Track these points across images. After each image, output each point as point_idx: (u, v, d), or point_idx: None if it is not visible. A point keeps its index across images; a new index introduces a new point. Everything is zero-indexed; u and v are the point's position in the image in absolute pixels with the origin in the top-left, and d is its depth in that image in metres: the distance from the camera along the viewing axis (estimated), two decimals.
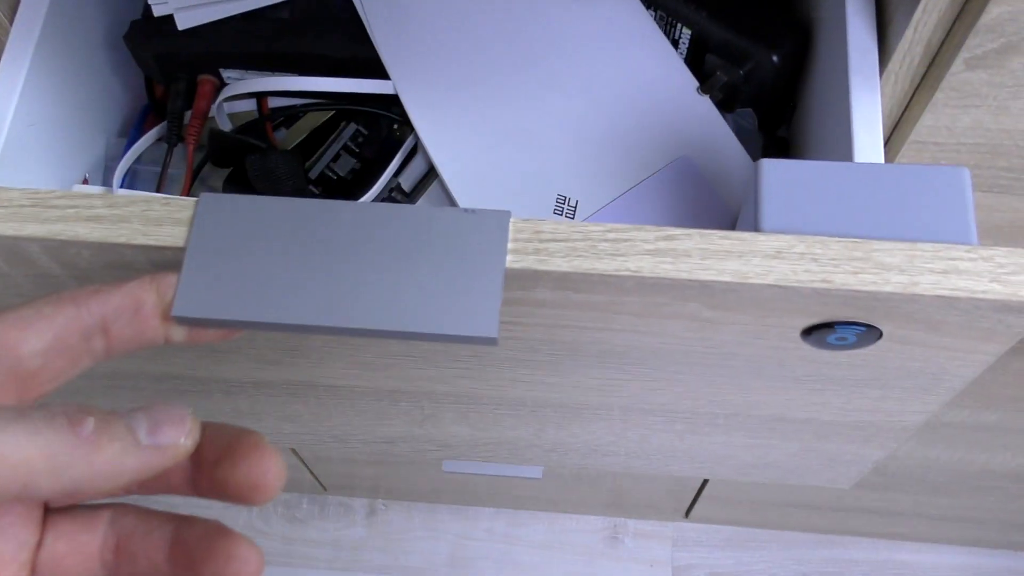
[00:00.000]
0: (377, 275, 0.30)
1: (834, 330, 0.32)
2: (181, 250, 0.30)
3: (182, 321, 0.29)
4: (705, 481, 0.99)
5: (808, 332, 0.33)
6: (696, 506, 1.09)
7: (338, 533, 1.17)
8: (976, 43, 0.38)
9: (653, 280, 0.30)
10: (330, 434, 0.49)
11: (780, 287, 0.30)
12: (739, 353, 0.35)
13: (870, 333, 0.32)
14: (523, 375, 0.39)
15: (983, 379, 0.68)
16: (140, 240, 0.30)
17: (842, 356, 0.34)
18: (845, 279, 0.30)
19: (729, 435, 0.44)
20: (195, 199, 0.31)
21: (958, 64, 0.39)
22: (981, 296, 0.29)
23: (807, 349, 0.34)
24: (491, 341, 0.30)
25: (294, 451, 0.98)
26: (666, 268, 0.30)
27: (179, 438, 0.25)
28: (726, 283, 0.30)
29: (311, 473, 1.07)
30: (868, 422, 0.41)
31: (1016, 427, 0.78)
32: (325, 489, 1.14)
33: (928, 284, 0.29)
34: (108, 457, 0.24)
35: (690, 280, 0.30)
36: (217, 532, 0.27)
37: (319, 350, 0.38)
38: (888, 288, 0.29)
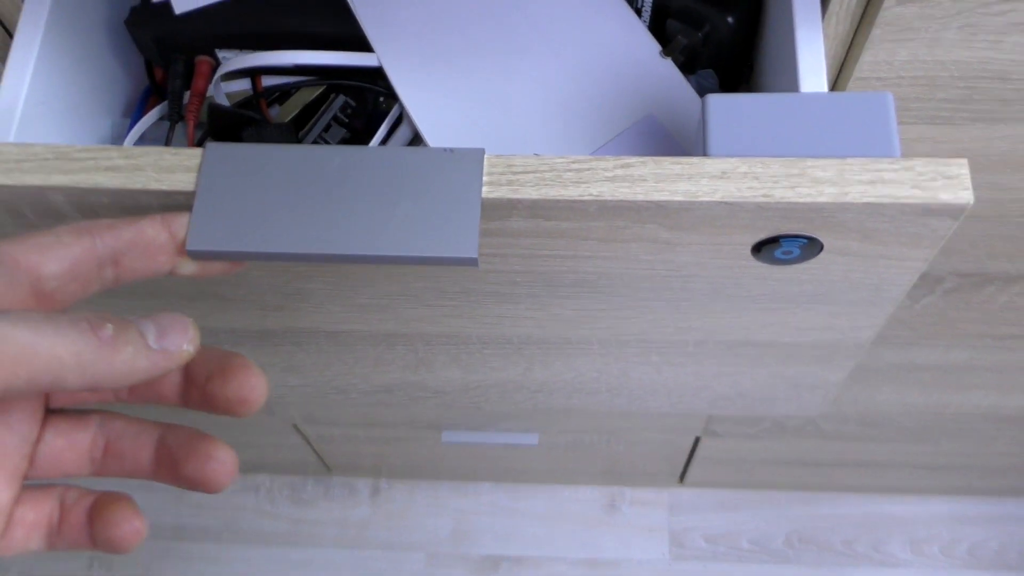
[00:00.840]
0: (367, 208, 0.34)
1: (780, 244, 0.36)
2: (191, 194, 0.34)
3: (195, 255, 0.33)
4: (696, 440, 1.02)
5: (757, 249, 0.37)
6: (689, 470, 1.13)
7: (344, 513, 1.21)
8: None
9: (613, 203, 0.34)
10: (331, 384, 0.52)
11: (726, 203, 0.33)
12: (698, 275, 0.39)
13: (812, 245, 0.36)
14: (507, 310, 0.43)
15: (950, 316, 0.72)
16: (154, 186, 0.34)
17: (790, 271, 0.38)
18: (784, 193, 0.33)
19: (701, 364, 0.47)
20: (202, 148, 0.34)
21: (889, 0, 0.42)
22: (904, 201, 0.33)
23: (758, 266, 0.38)
24: (472, 262, 0.33)
25: (297, 428, 1.01)
26: (624, 192, 0.34)
27: (183, 344, 0.29)
28: (678, 202, 0.34)
29: (316, 453, 1.10)
30: (824, 341, 0.44)
31: (984, 364, 0.81)
32: (330, 470, 1.18)
33: (857, 193, 0.33)
34: (124, 358, 0.28)
35: (646, 201, 0.34)
36: (198, 436, 0.31)
37: (318, 293, 0.42)
38: (822, 199, 0.33)
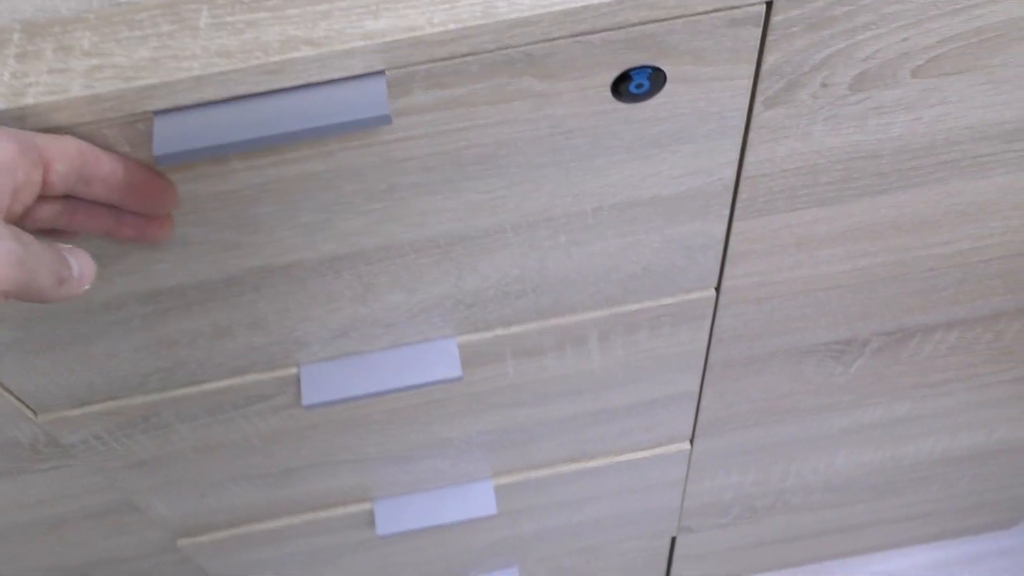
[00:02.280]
0: (293, 100, 0.42)
1: (631, 78, 0.45)
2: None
3: (164, 160, 0.40)
4: (673, 541, 1.07)
5: (616, 90, 0.45)
6: (672, 570, 1.17)
7: None
8: (766, 86, 0.47)
9: (489, 60, 0.42)
10: (292, 338, 0.59)
11: (580, 43, 0.42)
12: (576, 128, 0.47)
13: (657, 75, 0.45)
14: (428, 204, 0.50)
15: (883, 373, 0.78)
16: None
17: (648, 109, 0.47)
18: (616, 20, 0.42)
19: (604, 237, 0.55)
20: None
21: (759, 107, 0.49)
22: (715, 15, 0.42)
23: (621, 107, 0.46)
24: (385, 119, 0.41)
25: None
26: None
27: (86, 284, 0.42)
28: (542, 48, 0.42)
29: None
30: (696, 188, 0.53)
31: (926, 412, 0.86)
32: None
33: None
34: (61, 293, 0.40)
35: (518, 53, 0.42)
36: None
37: (267, 219, 0.49)
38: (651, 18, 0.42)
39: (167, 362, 0.58)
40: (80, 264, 0.41)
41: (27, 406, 0.60)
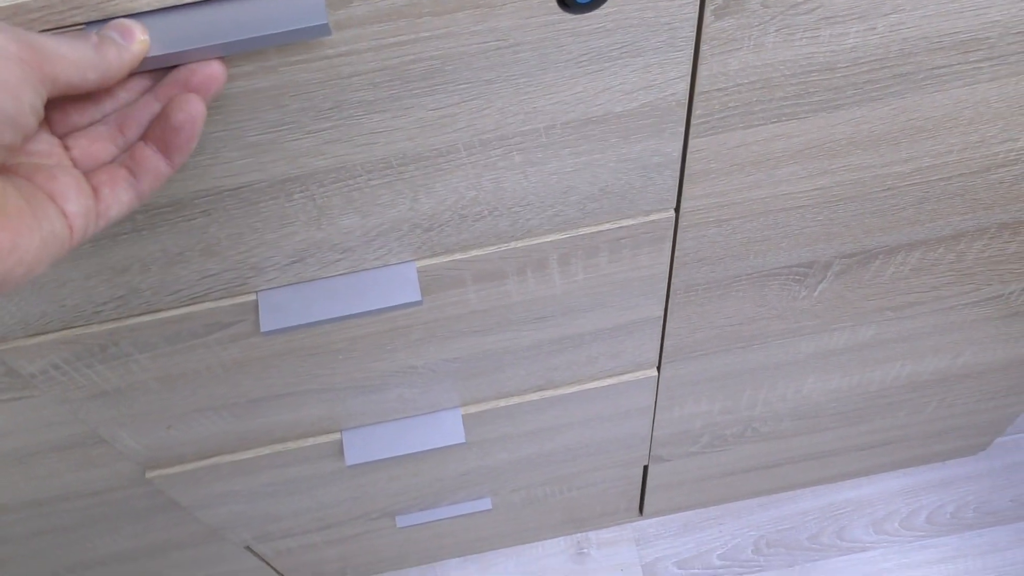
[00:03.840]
0: (231, 11, 0.41)
1: None
2: None
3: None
4: (645, 470, 1.08)
5: (562, 1, 0.44)
6: (647, 501, 1.19)
7: None
8: None
9: None
10: (247, 264, 0.58)
11: None
12: (523, 41, 0.46)
13: None
14: (377, 123, 0.50)
15: (848, 297, 0.78)
16: None
17: (596, 21, 0.46)
18: None
19: (559, 157, 0.55)
20: None
21: (708, 17, 0.48)
22: None
23: (568, 19, 0.46)
24: (324, 29, 0.40)
25: (251, 550, 1.05)
26: None
27: (138, 36, 0.39)
28: None
29: (277, 572, 1.12)
30: (649, 104, 0.52)
31: (891, 336, 0.87)
32: None
33: None
34: (111, 55, 0.38)
35: None
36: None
37: (212, 140, 0.48)
38: None
39: (121, 290, 0.58)
40: (119, 29, 0.39)
41: None
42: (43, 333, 0.60)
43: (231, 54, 0.42)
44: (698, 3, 0.47)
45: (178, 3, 0.40)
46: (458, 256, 0.62)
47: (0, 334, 0.59)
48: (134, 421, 0.73)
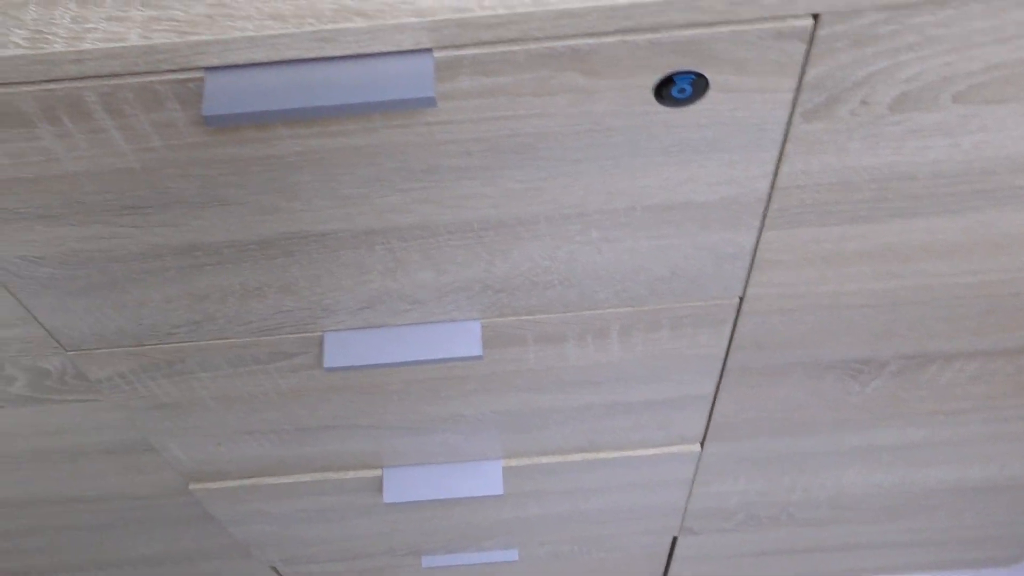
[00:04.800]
0: (341, 72, 0.43)
1: (674, 83, 0.45)
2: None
3: (213, 121, 0.41)
4: (674, 541, 1.07)
5: (659, 93, 0.46)
6: (671, 570, 1.18)
7: None
8: (806, 99, 0.47)
9: (536, 51, 0.43)
10: (320, 304, 0.60)
11: (625, 42, 0.43)
12: (616, 127, 0.48)
13: (700, 81, 0.45)
14: (466, 188, 0.51)
15: (901, 396, 0.78)
16: None
17: (689, 115, 0.47)
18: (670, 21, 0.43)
19: (635, 237, 0.56)
20: None
21: (798, 119, 0.49)
22: (760, 27, 0.42)
23: (663, 111, 0.47)
24: (430, 101, 0.42)
25: (276, 571, 1.06)
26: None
27: None
28: (588, 45, 0.43)
29: None
30: (730, 198, 0.53)
31: (941, 439, 0.86)
32: None
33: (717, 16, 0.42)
34: None
35: (563, 47, 0.43)
36: None
37: (307, 187, 0.50)
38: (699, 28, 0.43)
39: (197, 315, 0.60)
40: None
41: (57, 342, 0.62)
42: (117, 347, 0.62)
43: (341, 115, 0.44)
44: (790, 107, 0.48)
45: (293, 58, 0.42)
46: (524, 317, 0.63)
47: (76, 342, 0.62)
48: (186, 434, 0.75)
